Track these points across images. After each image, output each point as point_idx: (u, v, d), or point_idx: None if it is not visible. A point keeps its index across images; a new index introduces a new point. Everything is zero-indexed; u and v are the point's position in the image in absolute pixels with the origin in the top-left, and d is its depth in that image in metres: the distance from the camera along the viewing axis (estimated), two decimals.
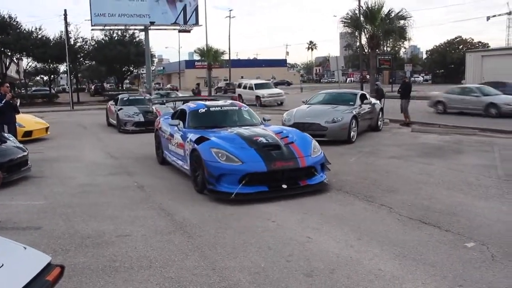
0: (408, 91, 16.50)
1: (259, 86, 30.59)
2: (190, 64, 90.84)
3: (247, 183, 6.53)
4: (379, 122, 14.82)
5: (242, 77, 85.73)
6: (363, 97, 14.10)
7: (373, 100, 15.07)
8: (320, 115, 12.41)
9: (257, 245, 4.85)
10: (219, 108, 8.96)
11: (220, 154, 6.69)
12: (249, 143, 7.07)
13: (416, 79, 73.23)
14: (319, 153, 7.38)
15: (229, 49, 58.75)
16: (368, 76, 29.49)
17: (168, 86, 76.25)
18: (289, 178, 6.84)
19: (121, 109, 17.04)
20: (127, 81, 62.85)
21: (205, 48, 46.99)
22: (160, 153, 9.69)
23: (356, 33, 27.68)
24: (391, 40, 39.03)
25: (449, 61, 67.76)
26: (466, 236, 4.97)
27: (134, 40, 45.86)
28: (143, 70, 56.66)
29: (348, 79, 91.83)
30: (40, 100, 41.64)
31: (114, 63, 44.63)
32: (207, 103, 9.27)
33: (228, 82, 54.85)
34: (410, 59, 75.95)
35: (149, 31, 35.45)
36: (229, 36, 64.63)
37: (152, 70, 57.65)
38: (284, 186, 6.71)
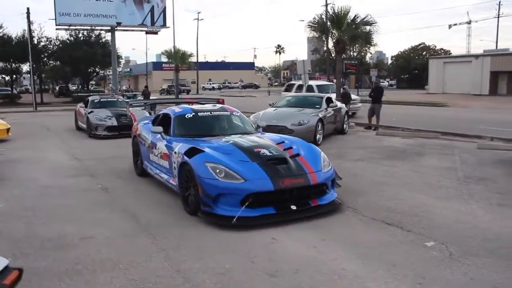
0: (380, 95, 16.76)
1: (322, 89, 21.15)
2: (157, 66, 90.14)
3: (251, 204, 5.54)
4: (344, 125, 15.05)
5: (209, 80, 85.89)
6: (329, 100, 14.30)
7: (339, 104, 15.31)
8: (287, 117, 12.51)
9: (222, 246, 4.85)
10: (208, 113, 7.81)
11: (218, 170, 5.65)
12: (251, 156, 6.08)
13: (381, 84, 74.57)
14: (330, 168, 6.48)
15: (197, 51, 58.74)
16: (334, 80, 29.88)
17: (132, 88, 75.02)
18: (298, 198, 5.88)
19: (91, 112, 15.75)
20: (93, 82, 61.63)
21: (172, 50, 46.69)
22: (139, 164, 8.45)
23: (323, 38, 28.00)
24: (357, 45, 39.73)
25: (413, 66, 69.48)
26: (427, 236, 5.10)
27: (101, 41, 45.05)
28: (109, 72, 55.81)
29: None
30: (1, 101, 40.41)
31: (79, 63, 43.67)
32: (194, 107, 8.12)
33: (170, 84, 53.79)
34: (375, 64, 77.30)
35: (116, 32, 35.05)
36: (197, 38, 64.44)
37: (119, 72, 56.87)
38: (293, 208, 5.71)
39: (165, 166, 7.05)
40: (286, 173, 5.87)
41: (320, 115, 12.83)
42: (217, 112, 7.96)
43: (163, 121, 7.92)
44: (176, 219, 5.83)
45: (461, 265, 4.31)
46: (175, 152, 6.52)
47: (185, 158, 6.09)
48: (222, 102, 9.74)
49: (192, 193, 5.90)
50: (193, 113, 7.64)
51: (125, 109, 15.07)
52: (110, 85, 42.68)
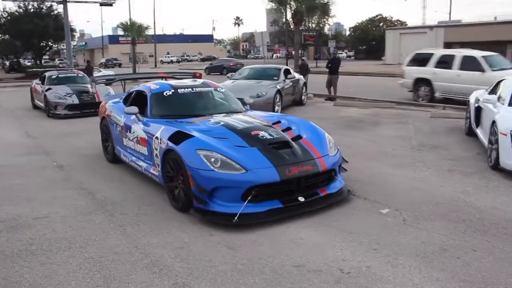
0: (337, 66, 16.91)
1: (491, 61, 13.75)
2: (114, 39, 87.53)
3: (254, 198, 4.76)
4: (303, 97, 15.15)
5: (168, 53, 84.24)
6: (287, 72, 14.33)
7: (297, 75, 15.36)
8: (244, 90, 12.44)
9: (180, 220, 4.85)
10: (190, 89, 6.75)
11: (213, 159, 4.77)
12: (248, 140, 5.24)
13: (339, 55, 75.27)
14: (337, 151, 5.76)
15: (154, 24, 57.45)
16: (293, 52, 29.88)
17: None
18: (305, 188, 5.14)
19: (49, 89, 14.24)
20: (46, 56, 59.26)
21: (128, 22, 45.29)
22: (110, 149, 7.45)
23: (281, 9, 27.85)
24: (315, 16, 39.73)
25: (370, 38, 70.29)
26: (382, 203, 5.25)
27: (52, 13, 43.04)
28: (63, 46, 53.82)
29: (274, 55, 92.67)
30: None
31: (31, 37, 41.78)
32: (172, 83, 7.09)
33: (108, 58, 52.22)
34: (334, 36, 77.78)
35: (68, 4, 33.54)
36: (154, 10, 62.79)
37: (74, 46, 54.86)
38: (302, 199, 4.97)
39: (142, 152, 6.12)
40: (292, 160, 5.06)
41: (278, 87, 12.85)
42: (199, 88, 6.90)
43: (136, 100, 6.97)
44: (134, 196, 5.76)
45: (413, 230, 4.48)
46: (157, 138, 5.57)
47: (171, 144, 5.18)
48: (200, 77, 8.91)
49: (181, 186, 5.04)
50: (172, 90, 6.60)
51: (87, 85, 14.45)
52: (65, 59, 41.06)
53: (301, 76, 16.02)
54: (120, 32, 56.07)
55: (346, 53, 79.26)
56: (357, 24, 77.85)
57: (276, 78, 13.66)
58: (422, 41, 47.57)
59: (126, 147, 6.73)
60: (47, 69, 24.12)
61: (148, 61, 70.61)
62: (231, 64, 37.52)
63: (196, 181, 4.76)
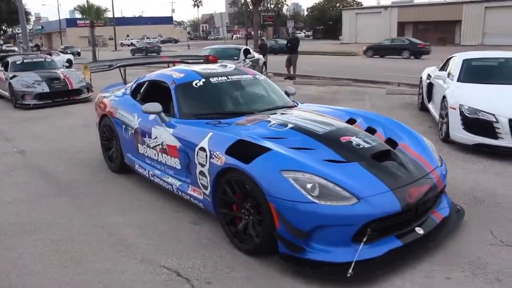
0: (296, 46, 17.10)
1: None
2: (71, 22, 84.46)
3: (370, 238, 3.33)
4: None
5: (127, 36, 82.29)
6: (246, 51, 14.49)
7: (257, 55, 15.50)
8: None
9: (145, 199, 4.93)
10: (224, 77, 5.14)
11: (308, 185, 3.28)
12: (340, 150, 3.76)
13: (298, 35, 75.70)
14: (441, 160, 4.26)
15: (112, 6, 56.00)
16: (253, 33, 29.85)
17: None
18: (421, 213, 3.72)
19: (14, 76, 12.59)
20: (0, 41, 56.74)
21: (86, 5, 43.95)
22: (117, 156, 5.79)
23: None
24: None
25: (328, 18, 70.90)
26: None
27: None
28: (18, 30, 51.63)
29: (234, 35, 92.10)
30: None
31: None
32: (198, 69, 5.36)
33: (37, 43, 50.54)
34: (292, 16, 77.96)
35: None
36: None
37: (30, 30, 52.73)
38: (420, 231, 3.58)
39: (172, 165, 4.59)
40: (407, 178, 3.62)
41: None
42: (236, 76, 5.28)
43: (150, 93, 5.50)
44: (97, 178, 5.78)
45: None
46: (202, 149, 4.03)
47: (234, 162, 3.64)
48: (215, 60, 7.62)
49: (253, 222, 3.60)
50: (203, 79, 5.01)
51: (57, 71, 13.20)
52: (21, 44, 39.28)
53: (261, 56, 16.18)
54: (78, 15, 54.36)
55: (304, 33, 79.75)
56: (315, 4, 78.29)
57: (236, 58, 13.80)
58: (377, 21, 48.64)
59: (144, 156, 5.12)
60: (10, 53, 21.31)
61: (108, 44, 68.86)
62: (149, 46, 44.36)
63: (286, 218, 3.27)
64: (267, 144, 3.73)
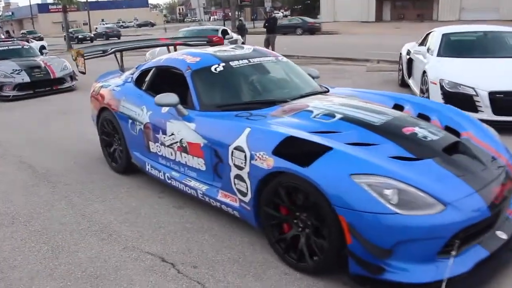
0: (275, 25, 16.99)
1: None
2: (43, 8, 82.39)
3: (450, 249, 2.74)
4: None
5: (102, 20, 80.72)
6: (224, 32, 14.38)
7: (235, 36, 15.37)
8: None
9: (127, 185, 4.84)
10: (245, 61, 4.45)
11: (386, 191, 2.68)
12: (406, 145, 3.14)
13: (276, 14, 75.25)
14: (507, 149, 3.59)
15: None
16: (230, 14, 29.55)
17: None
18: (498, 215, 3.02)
19: None
20: None
21: None
22: (121, 156, 5.12)
23: None
24: None
25: None
26: None
27: None
28: None
29: (211, 17, 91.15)
30: None
31: None
32: (216, 53, 4.59)
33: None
34: None
35: None
36: None
37: None
38: (503, 236, 2.98)
39: (194, 166, 3.94)
40: (487, 175, 3.03)
41: None
42: (257, 59, 4.57)
43: (158, 81, 4.84)
44: (77, 166, 5.64)
45: None
46: (239, 149, 3.36)
47: (289, 165, 2.98)
48: (220, 41, 6.95)
49: (308, 236, 3.05)
50: (223, 64, 4.32)
51: (36, 59, 12.32)
52: None
53: (239, 36, 16.06)
54: (50, 0, 53.08)
55: (282, 12, 79.11)
56: None
57: None
58: (356, 0, 48.46)
59: (157, 156, 4.45)
60: None
61: (83, 30, 67.42)
62: (108, 31, 48.10)
63: (361, 233, 2.70)
64: (324, 141, 3.06)
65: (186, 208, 4.19)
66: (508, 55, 7.15)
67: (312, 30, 33.67)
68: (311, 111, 3.66)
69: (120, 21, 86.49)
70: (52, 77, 11.64)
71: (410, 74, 8.88)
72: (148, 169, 4.60)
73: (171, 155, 4.20)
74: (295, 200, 3.05)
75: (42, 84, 11.49)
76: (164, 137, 4.21)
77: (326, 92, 4.53)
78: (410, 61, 8.87)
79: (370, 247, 2.69)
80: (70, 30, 38.38)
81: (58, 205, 4.43)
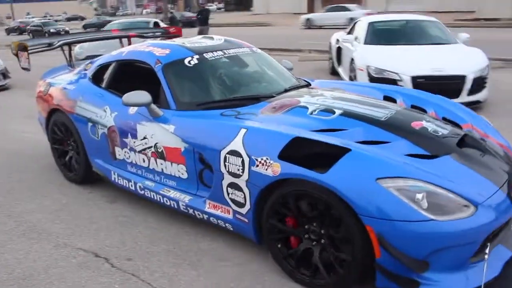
0: (207, 17, 16.94)
1: None
2: None
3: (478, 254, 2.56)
4: None
5: (28, 13, 76.72)
6: (156, 24, 14.21)
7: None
8: (113, 44, 11.98)
9: (59, 183, 4.67)
10: (221, 53, 4.00)
11: (417, 196, 2.37)
12: (419, 141, 2.87)
13: (209, 7, 74.85)
14: None
15: None
16: (163, 6, 29.09)
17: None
18: None
19: None
20: None
21: None
22: (79, 164, 4.48)
23: None
24: None
25: None
26: None
27: None
28: None
29: (144, 10, 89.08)
30: None
31: None
32: (187, 44, 4.07)
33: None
34: None
35: None
36: None
37: None
38: None
39: (172, 174, 3.49)
40: (504, 169, 2.86)
41: None
42: (232, 50, 4.13)
43: (120, 77, 4.26)
44: (5, 162, 5.38)
45: None
46: (233, 153, 2.92)
47: (301, 170, 2.60)
48: (178, 33, 6.47)
49: (322, 249, 2.71)
50: (197, 56, 3.84)
51: None
52: None
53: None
54: None
55: (216, 5, 78.83)
56: None
57: None
58: None
59: (125, 163, 3.92)
60: None
61: (5, 24, 63.85)
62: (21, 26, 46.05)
63: (393, 244, 2.41)
64: (337, 141, 2.69)
65: (119, 202, 4.13)
66: (428, 42, 7.56)
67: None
68: (306, 107, 3.31)
69: (48, 15, 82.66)
70: None
71: (339, 62, 9.16)
72: (114, 178, 4.04)
73: (144, 162, 3.69)
74: (307, 210, 2.70)
75: None
76: (135, 142, 3.69)
77: (308, 85, 4.19)
78: (339, 50, 9.15)
79: (403, 259, 2.41)
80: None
81: None
